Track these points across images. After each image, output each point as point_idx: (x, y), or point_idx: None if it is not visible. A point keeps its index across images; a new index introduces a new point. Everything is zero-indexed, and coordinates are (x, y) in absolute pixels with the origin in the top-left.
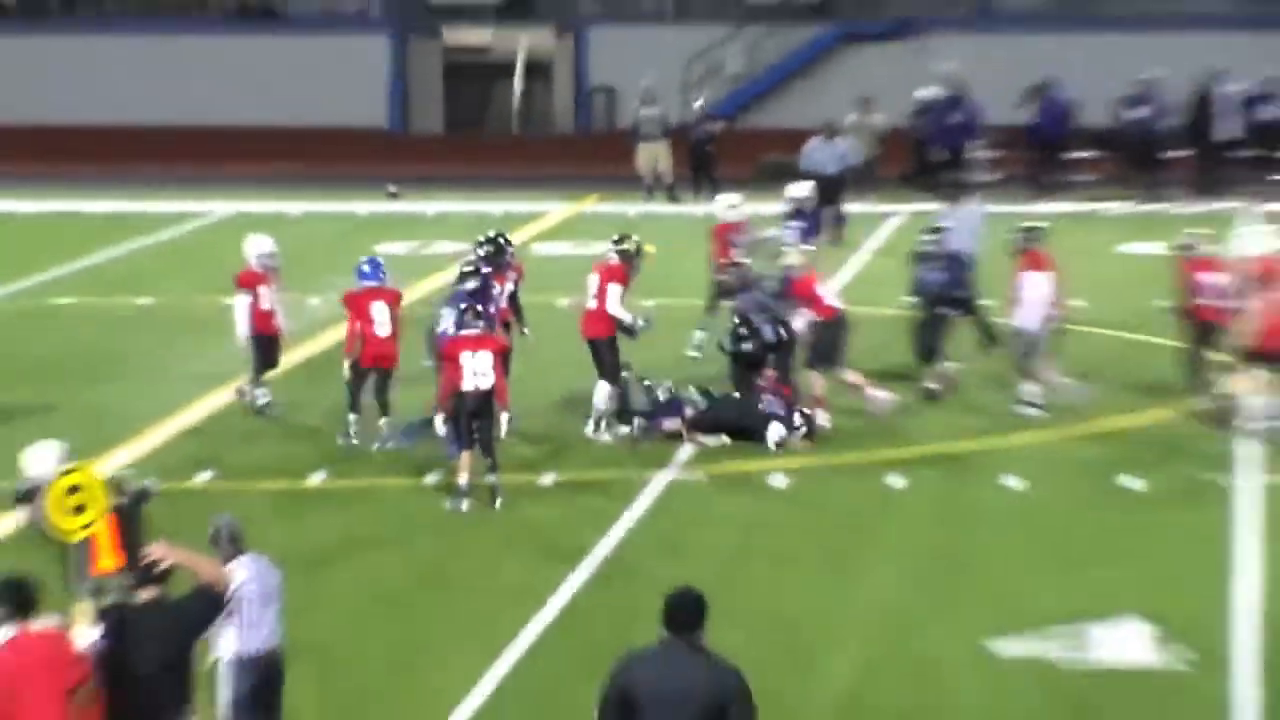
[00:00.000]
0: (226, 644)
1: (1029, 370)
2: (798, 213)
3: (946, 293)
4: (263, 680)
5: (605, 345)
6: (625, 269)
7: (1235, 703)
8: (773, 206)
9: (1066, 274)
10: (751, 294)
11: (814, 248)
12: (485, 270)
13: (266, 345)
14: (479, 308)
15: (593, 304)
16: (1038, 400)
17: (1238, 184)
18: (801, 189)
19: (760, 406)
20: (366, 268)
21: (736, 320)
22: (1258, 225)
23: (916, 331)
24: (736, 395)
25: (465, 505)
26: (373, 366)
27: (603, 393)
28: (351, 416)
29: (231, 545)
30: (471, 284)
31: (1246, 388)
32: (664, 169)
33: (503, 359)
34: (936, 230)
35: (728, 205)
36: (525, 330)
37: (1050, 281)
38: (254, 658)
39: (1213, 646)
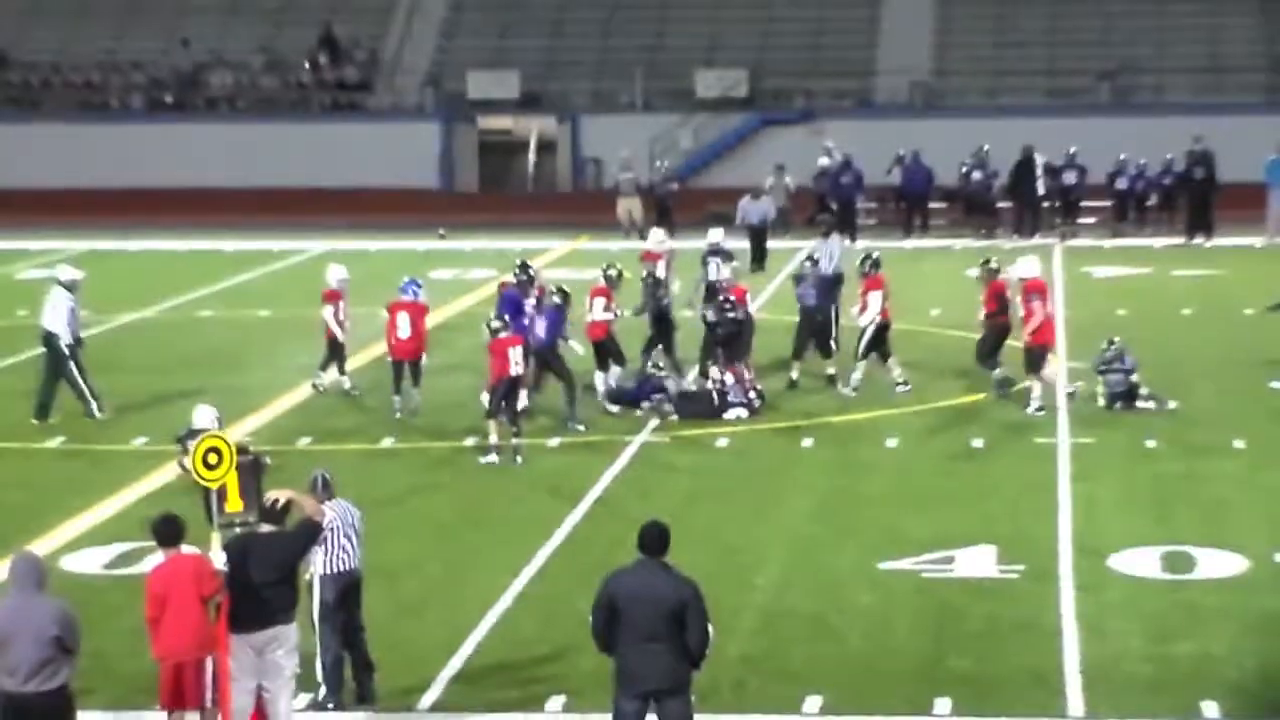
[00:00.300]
0: (317, 565)
1: (862, 357)
2: (715, 250)
3: (819, 305)
4: (343, 592)
5: (602, 344)
6: (608, 289)
7: (1056, 602)
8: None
9: (923, 290)
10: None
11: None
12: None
13: (340, 344)
14: (505, 316)
15: (590, 316)
16: (858, 384)
17: (1045, 227)
18: (717, 234)
19: (723, 392)
20: (402, 286)
21: (722, 299)
22: (1030, 254)
23: (797, 333)
24: (708, 385)
25: (495, 459)
26: (396, 359)
27: (600, 379)
28: (395, 398)
29: (324, 490)
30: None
31: (1050, 371)
32: (637, 217)
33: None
34: (810, 259)
35: (657, 240)
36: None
37: (882, 297)
38: (337, 575)
39: (1040, 562)
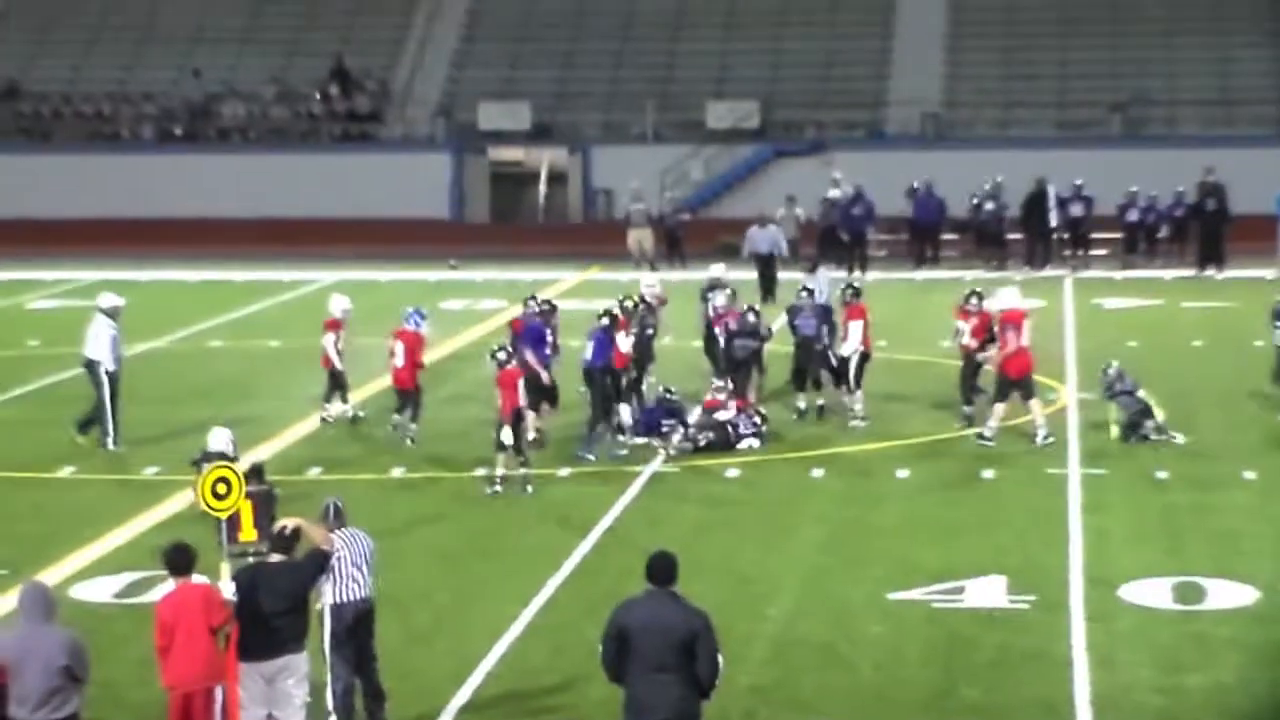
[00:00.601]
0: (327, 594)
1: (856, 387)
2: (715, 285)
3: (817, 334)
4: (353, 622)
5: (621, 374)
6: (627, 320)
7: (1067, 632)
8: (729, 273)
9: (932, 322)
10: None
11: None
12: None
13: (340, 372)
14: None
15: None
16: (866, 413)
17: (1056, 259)
18: (718, 269)
19: (734, 423)
20: (406, 314)
21: (746, 309)
22: (1011, 286)
23: (795, 363)
24: (720, 417)
25: (500, 489)
26: (394, 385)
27: (625, 410)
28: (395, 416)
29: (336, 519)
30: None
31: (1000, 413)
32: (648, 247)
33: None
34: (805, 289)
35: (647, 283)
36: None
37: (863, 326)
38: (346, 605)
39: (1051, 593)
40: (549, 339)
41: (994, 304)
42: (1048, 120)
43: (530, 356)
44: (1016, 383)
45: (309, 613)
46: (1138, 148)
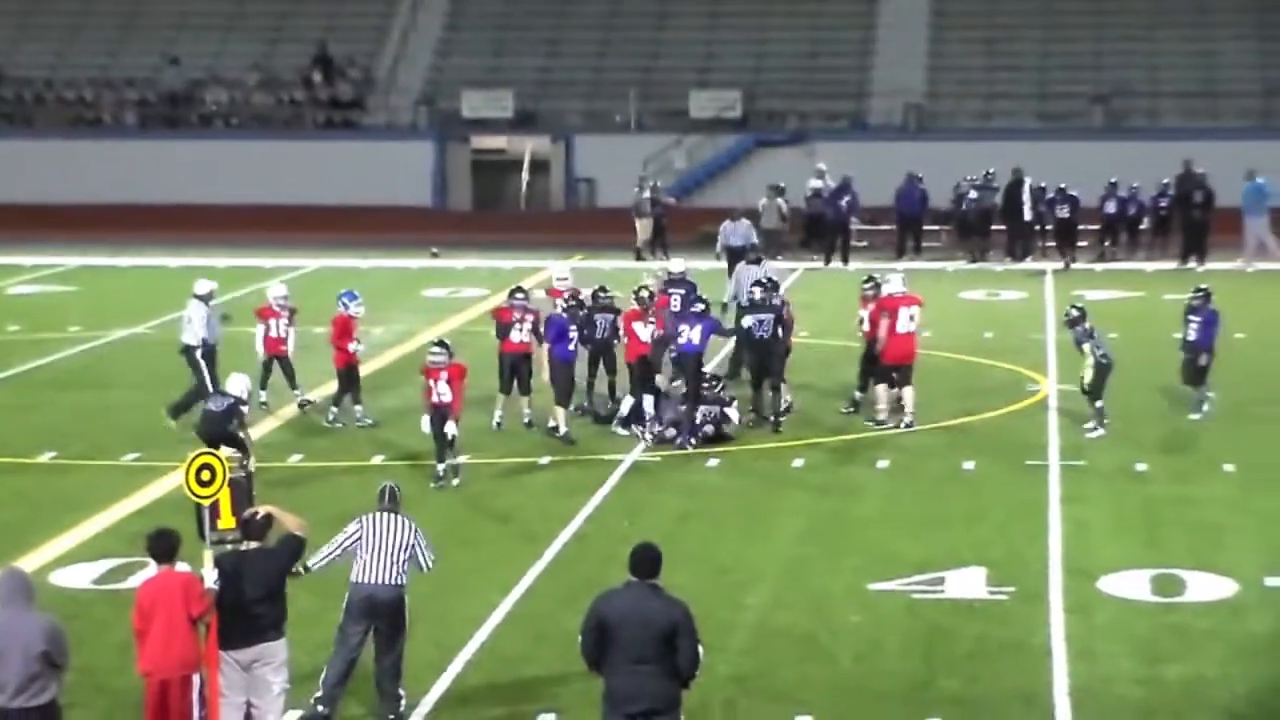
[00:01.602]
0: (351, 574)
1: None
2: (680, 279)
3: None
4: (363, 607)
5: (639, 365)
6: (642, 311)
7: (1046, 623)
8: (708, 263)
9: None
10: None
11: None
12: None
13: (277, 363)
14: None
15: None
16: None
17: (1037, 253)
18: (678, 264)
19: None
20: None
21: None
22: (896, 274)
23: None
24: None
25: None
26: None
27: (649, 402)
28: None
29: (391, 502)
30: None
31: (882, 396)
32: (645, 237)
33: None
34: (761, 283)
35: (558, 275)
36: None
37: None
38: (359, 586)
39: (1030, 584)
40: (572, 333)
41: (885, 289)
42: (1030, 111)
43: (554, 350)
44: (894, 368)
45: (285, 599)
46: (1120, 139)
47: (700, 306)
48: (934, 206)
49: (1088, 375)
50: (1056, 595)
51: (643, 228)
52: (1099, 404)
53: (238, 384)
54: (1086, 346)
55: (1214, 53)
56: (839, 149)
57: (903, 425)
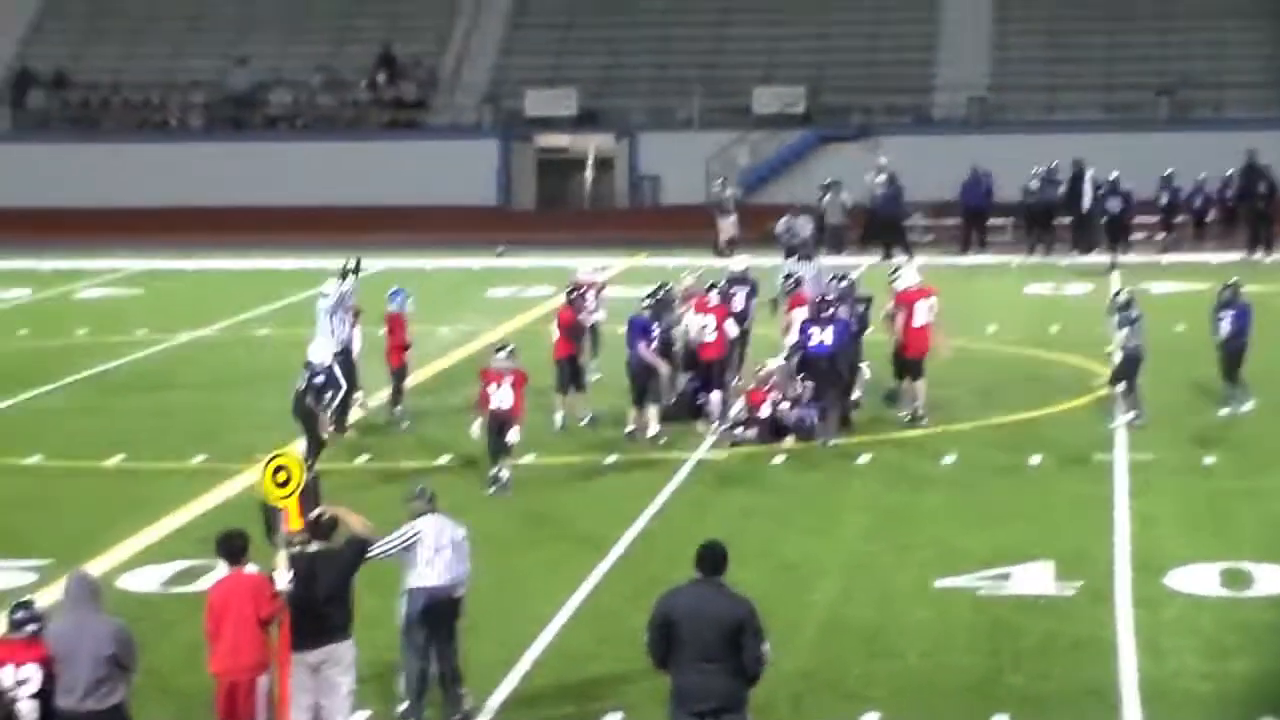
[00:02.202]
0: (408, 579)
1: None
2: (741, 278)
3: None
4: (426, 609)
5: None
6: (724, 307)
7: (1113, 618)
8: (774, 260)
9: (979, 307)
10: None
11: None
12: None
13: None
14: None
15: (711, 336)
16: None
17: (1099, 244)
18: (739, 263)
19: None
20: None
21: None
22: (912, 266)
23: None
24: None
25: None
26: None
27: (716, 398)
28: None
29: (429, 503)
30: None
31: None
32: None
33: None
34: (791, 278)
35: (593, 269)
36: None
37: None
38: (418, 591)
39: (1098, 579)
40: (654, 332)
41: (898, 283)
42: (1094, 104)
43: (642, 350)
44: (910, 361)
45: (352, 601)
46: (1185, 130)
47: (830, 311)
48: (999, 200)
49: (1116, 358)
50: (1124, 590)
51: (725, 226)
52: (1132, 393)
53: (320, 349)
54: (1124, 333)
55: (1278, 42)
56: (903, 143)
57: (913, 418)
